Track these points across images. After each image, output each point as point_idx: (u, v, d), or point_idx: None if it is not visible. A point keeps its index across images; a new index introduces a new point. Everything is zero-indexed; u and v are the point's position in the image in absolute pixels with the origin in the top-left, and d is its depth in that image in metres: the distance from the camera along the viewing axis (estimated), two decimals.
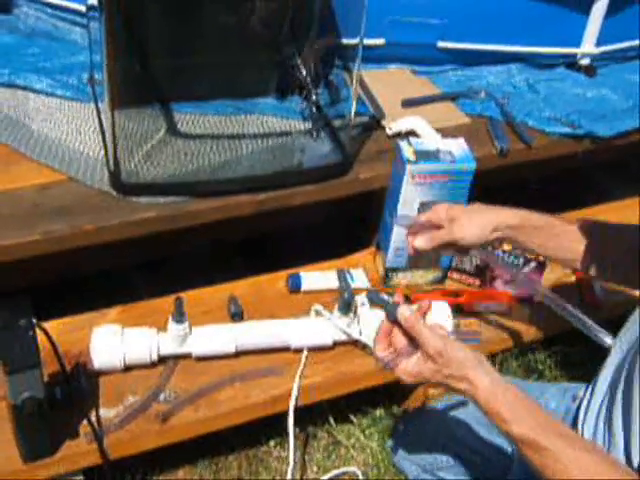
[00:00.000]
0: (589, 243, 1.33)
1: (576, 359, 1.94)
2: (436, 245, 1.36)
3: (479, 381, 1.10)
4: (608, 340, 1.21)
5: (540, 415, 1.09)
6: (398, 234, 1.67)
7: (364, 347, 1.59)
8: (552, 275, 1.81)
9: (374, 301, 1.18)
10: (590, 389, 1.29)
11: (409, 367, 1.14)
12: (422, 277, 1.77)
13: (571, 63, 2.22)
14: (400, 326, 1.16)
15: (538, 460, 1.05)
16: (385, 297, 1.22)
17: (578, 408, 1.32)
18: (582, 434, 1.24)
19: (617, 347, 1.23)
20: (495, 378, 1.11)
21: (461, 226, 1.34)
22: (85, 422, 1.40)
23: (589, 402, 1.26)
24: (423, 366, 1.13)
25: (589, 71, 2.21)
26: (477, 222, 1.35)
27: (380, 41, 1.97)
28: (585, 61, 2.21)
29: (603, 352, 1.30)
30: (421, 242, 1.36)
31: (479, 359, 1.13)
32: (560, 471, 1.02)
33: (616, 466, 1.04)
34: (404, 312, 1.15)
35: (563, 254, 1.37)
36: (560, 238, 1.36)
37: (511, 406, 1.08)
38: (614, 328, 1.24)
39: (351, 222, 1.96)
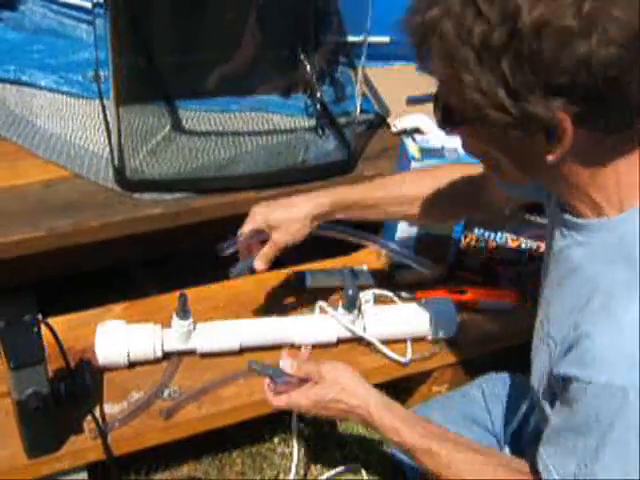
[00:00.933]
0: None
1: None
2: (271, 261, 1.42)
3: (371, 397, 1.17)
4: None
5: (428, 425, 1.15)
6: (403, 231, 1.67)
7: (368, 344, 1.59)
8: None
9: (259, 373, 1.24)
10: None
11: (302, 391, 1.20)
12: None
13: None
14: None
15: (432, 465, 1.10)
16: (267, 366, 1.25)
17: None
18: None
19: None
20: (382, 396, 1.19)
21: (282, 231, 1.39)
22: (89, 418, 1.40)
23: None
24: (314, 388, 1.19)
25: None
26: (294, 222, 1.38)
27: (385, 38, 1.97)
28: None
29: None
30: (259, 265, 1.42)
31: (364, 382, 1.21)
32: (453, 473, 1.08)
33: (505, 465, 1.08)
34: (289, 364, 1.23)
35: (379, 218, 1.47)
36: (373, 208, 1.42)
37: (402, 418, 1.15)
38: None
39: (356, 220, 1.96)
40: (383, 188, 1.43)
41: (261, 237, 1.40)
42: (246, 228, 1.41)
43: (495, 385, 1.49)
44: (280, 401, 1.21)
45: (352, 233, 1.48)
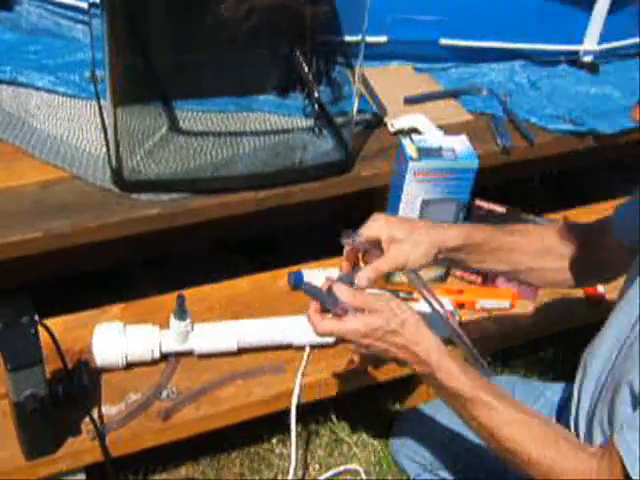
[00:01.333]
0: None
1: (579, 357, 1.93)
2: (379, 278, 1.23)
3: (431, 336, 1.11)
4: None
5: (481, 377, 1.11)
6: None
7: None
8: None
9: (309, 293, 1.16)
10: (579, 380, 1.28)
11: (358, 317, 1.12)
12: (425, 274, 1.75)
13: (573, 60, 2.21)
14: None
15: (487, 420, 1.07)
16: (317, 287, 1.17)
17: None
18: (579, 429, 1.23)
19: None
20: (437, 342, 1.12)
21: (403, 251, 1.22)
22: (87, 419, 1.40)
23: (579, 391, 1.25)
24: (371, 317, 1.11)
25: (591, 68, 2.20)
26: (421, 247, 1.23)
27: (382, 38, 1.97)
28: (588, 58, 2.20)
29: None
30: (363, 281, 1.19)
31: (418, 318, 1.13)
32: (509, 433, 1.05)
33: (568, 439, 1.06)
34: (343, 291, 1.13)
35: (499, 266, 1.32)
36: (497, 252, 1.30)
37: (459, 365, 1.10)
38: None
39: (353, 220, 1.95)
40: (519, 234, 1.33)
41: (365, 248, 1.25)
42: (367, 232, 1.24)
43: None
44: (327, 327, 1.13)
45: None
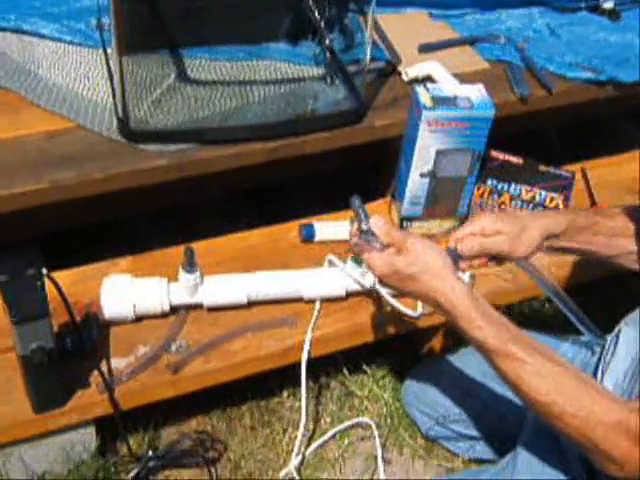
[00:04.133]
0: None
1: (594, 312, 1.91)
2: (482, 253, 1.24)
3: (456, 282, 1.09)
4: (589, 336, 1.25)
5: (513, 328, 1.08)
6: (414, 183, 1.64)
7: (378, 298, 1.56)
8: None
9: (353, 207, 1.17)
10: (611, 347, 1.26)
11: (384, 256, 1.11)
12: (438, 227, 1.74)
13: (594, 6, 2.15)
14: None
15: (513, 371, 1.05)
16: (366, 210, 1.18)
17: (597, 362, 1.29)
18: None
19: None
20: (468, 286, 1.10)
21: (509, 241, 1.22)
22: (96, 372, 1.39)
23: (610, 361, 1.24)
24: (396, 257, 1.10)
25: (613, 15, 2.13)
26: (525, 238, 1.23)
27: None
28: (609, 4, 2.13)
29: (623, 304, 1.28)
30: (466, 248, 1.22)
31: (453, 267, 1.12)
32: (538, 382, 1.03)
33: (603, 393, 1.04)
34: (377, 221, 1.13)
35: (603, 251, 1.30)
36: (599, 236, 1.28)
37: (487, 314, 1.07)
38: None
39: (366, 171, 1.92)
40: (614, 217, 1.29)
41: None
42: (469, 229, 1.24)
43: None
44: (359, 247, 1.15)
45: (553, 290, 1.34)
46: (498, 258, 1.26)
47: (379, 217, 1.14)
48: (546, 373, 1.03)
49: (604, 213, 1.32)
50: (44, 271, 1.26)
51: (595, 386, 1.05)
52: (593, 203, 1.87)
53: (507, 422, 1.47)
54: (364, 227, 1.14)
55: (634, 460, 0.98)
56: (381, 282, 1.15)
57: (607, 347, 1.28)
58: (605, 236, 1.28)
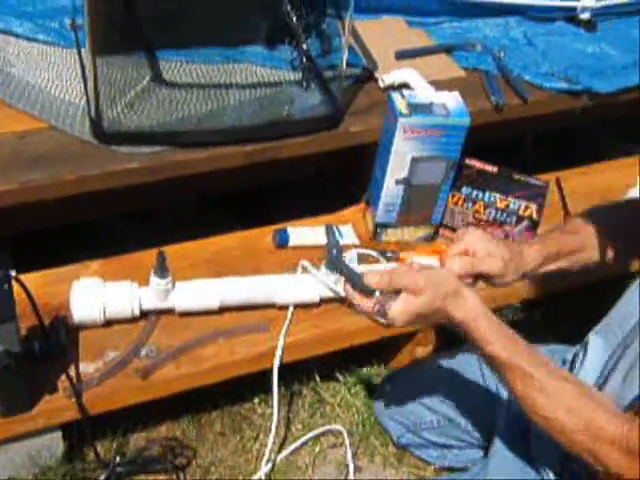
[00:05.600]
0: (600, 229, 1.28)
1: (564, 320, 1.92)
2: (473, 273, 1.23)
3: (469, 298, 1.10)
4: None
5: (521, 342, 1.09)
6: (389, 190, 1.63)
7: (351, 305, 1.55)
8: None
9: (338, 269, 1.16)
10: (580, 357, 1.27)
11: (401, 306, 1.10)
12: (412, 234, 1.74)
13: (571, 17, 2.16)
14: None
15: (520, 386, 1.06)
16: (349, 266, 1.18)
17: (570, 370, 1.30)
18: None
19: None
20: (480, 299, 1.11)
21: (502, 265, 1.22)
22: (64, 377, 1.37)
23: (579, 371, 1.24)
24: (415, 301, 1.10)
25: (589, 25, 2.15)
26: (513, 265, 1.23)
27: None
28: (585, 15, 2.15)
29: (592, 314, 1.28)
30: (459, 266, 1.21)
31: (459, 282, 1.12)
32: (542, 399, 1.04)
33: (605, 407, 1.04)
34: (373, 277, 1.12)
35: (574, 267, 1.31)
36: (568, 256, 1.29)
37: (497, 329, 1.09)
38: None
39: (341, 177, 1.92)
40: (575, 232, 1.31)
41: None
42: (458, 249, 1.24)
43: None
44: (378, 312, 1.13)
45: None
46: (485, 278, 1.25)
47: (372, 273, 1.13)
48: (550, 389, 1.04)
49: (569, 230, 1.32)
50: (12, 273, 1.24)
51: (597, 399, 1.05)
52: (567, 212, 1.88)
53: (478, 431, 1.48)
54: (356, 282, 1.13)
55: (634, 474, 0.98)
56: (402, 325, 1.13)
57: (577, 357, 1.28)
58: (574, 254, 1.29)
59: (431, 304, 1.09)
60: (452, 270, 1.16)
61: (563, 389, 1.05)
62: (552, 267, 1.28)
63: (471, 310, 1.09)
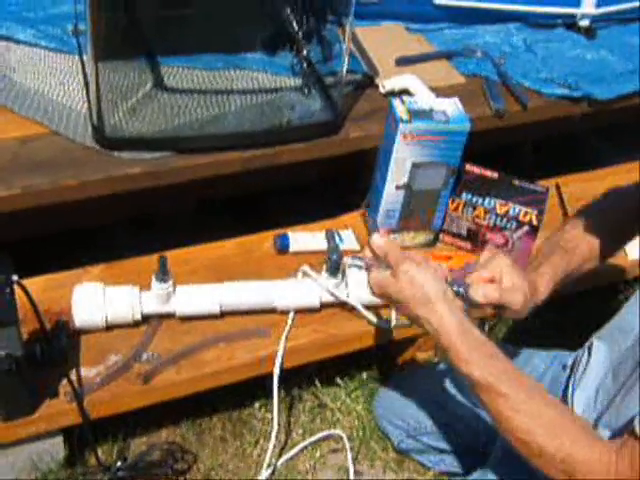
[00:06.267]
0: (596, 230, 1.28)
1: (567, 326, 1.92)
2: (496, 303, 1.20)
3: (445, 313, 1.08)
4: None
5: (501, 361, 1.07)
6: (389, 195, 1.64)
7: (352, 309, 1.56)
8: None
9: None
10: (583, 362, 1.27)
11: (379, 277, 1.13)
12: (412, 239, 1.74)
13: (570, 24, 2.17)
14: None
15: (494, 406, 1.04)
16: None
17: (569, 377, 1.30)
18: (573, 405, 1.22)
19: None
20: (460, 316, 1.09)
21: (524, 300, 1.20)
22: (65, 381, 1.38)
23: (582, 376, 1.24)
24: (390, 281, 1.11)
25: (588, 32, 2.16)
26: (534, 299, 1.23)
27: None
28: (585, 22, 2.16)
29: (594, 319, 1.28)
30: (480, 294, 1.17)
31: (447, 294, 1.10)
32: (517, 419, 1.01)
33: (586, 429, 1.03)
34: (376, 240, 1.14)
35: (587, 270, 1.31)
36: (576, 266, 1.29)
37: (473, 347, 1.06)
38: None
39: (341, 182, 1.93)
40: (576, 247, 1.30)
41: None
42: (486, 272, 1.22)
43: None
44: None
45: None
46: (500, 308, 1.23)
47: (382, 235, 1.16)
48: (528, 410, 1.02)
49: (570, 245, 1.30)
50: (14, 278, 1.24)
51: (578, 424, 1.03)
52: (566, 218, 1.88)
53: (478, 436, 1.48)
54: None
55: None
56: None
57: (578, 362, 1.28)
58: (579, 269, 1.30)
59: (399, 292, 1.10)
60: (440, 278, 1.12)
61: (543, 411, 1.02)
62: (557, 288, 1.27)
63: (446, 323, 1.07)
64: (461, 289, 1.16)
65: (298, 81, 1.75)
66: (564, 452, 0.99)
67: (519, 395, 1.03)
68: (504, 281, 1.20)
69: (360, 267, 1.24)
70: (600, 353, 1.22)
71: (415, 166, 1.59)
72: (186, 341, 1.49)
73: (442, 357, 1.60)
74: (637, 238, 1.38)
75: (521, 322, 1.94)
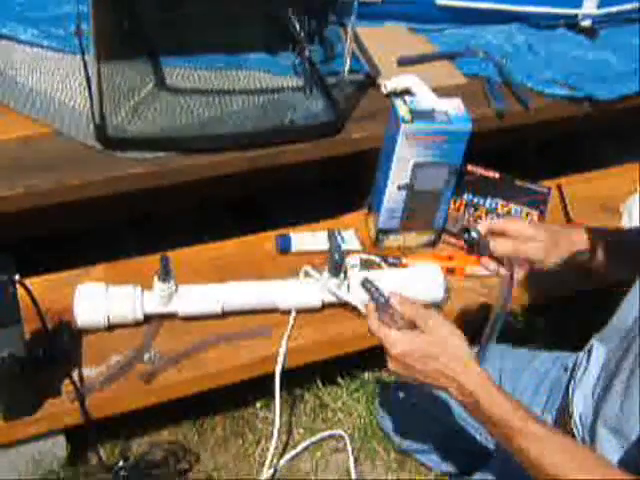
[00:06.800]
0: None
1: (569, 327, 1.92)
2: (514, 255, 1.21)
3: (475, 366, 1.08)
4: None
5: (528, 409, 1.06)
6: (391, 195, 1.64)
7: (354, 309, 1.56)
8: None
9: (368, 291, 1.16)
10: (583, 363, 1.27)
11: (405, 334, 1.10)
12: (414, 239, 1.74)
13: (572, 24, 2.17)
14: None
15: (533, 449, 1.02)
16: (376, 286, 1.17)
17: (569, 379, 1.30)
18: (573, 406, 1.22)
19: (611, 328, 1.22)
20: (486, 375, 1.08)
21: (545, 249, 1.22)
22: (67, 381, 1.38)
23: (582, 377, 1.24)
24: (418, 335, 1.10)
25: (590, 33, 2.16)
26: (560, 249, 1.23)
27: None
28: (586, 22, 2.16)
29: (596, 321, 1.28)
30: (501, 247, 1.19)
31: (472, 352, 1.10)
32: (557, 460, 1.00)
33: (601, 458, 1.02)
34: (397, 297, 1.13)
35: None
36: (625, 256, 1.27)
37: (504, 394, 1.06)
38: None
39: (343, 183, 1.93)
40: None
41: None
42: (509, 225, 1.23)
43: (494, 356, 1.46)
44: (374, 325, 1.12)
45: None
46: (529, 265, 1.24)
47: (394, 293, 1.14)
48: (560, 450, 1.01)
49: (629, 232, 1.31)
50: (16, 278, 1.25)
51: (605, 463, 1.02)
52: (568, 219, 1.88)
53: (480, 436, 1.48)
54: (382, 301, 1.13)
55: None
56: (395, 361, 1.11)
57: (579, 364, 1.28)
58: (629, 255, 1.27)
59: (432, 347, 1.08)
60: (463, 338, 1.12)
61: (573, 451, 1.02)
62: (602, 267, 1.27)
63: (476, 375, 1.07)
64: (475, 235, 1.17)
65: (300, 81, 1.75)
66: None
67: (552, 435, 1.02)
68: (522, 235, 1.21)
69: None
70: (599, 354, 1.23)
71: (417, 166, 1.60)
72: (188, 341, 1.50)
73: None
74: None
75: (522, 322, 1.94)
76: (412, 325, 1.12)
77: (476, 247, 1.18)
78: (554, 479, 1.01)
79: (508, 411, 1.04)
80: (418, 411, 1.54)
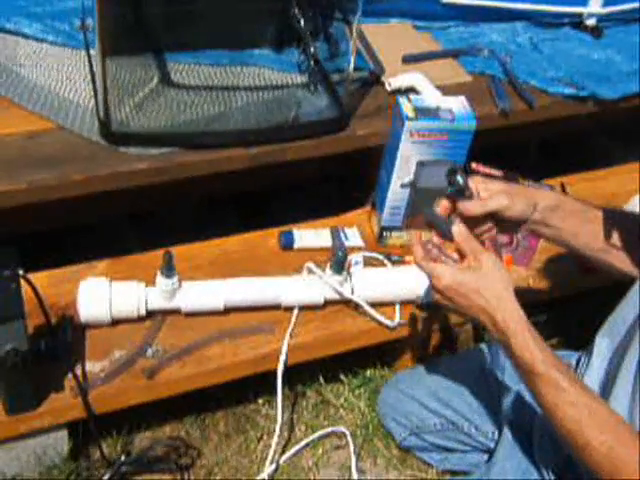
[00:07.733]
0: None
1: (572, 325, 1.92)
2: (485, 211, 1.20)
3: (515, 305, 1.10)
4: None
5: (557, 357, 1.09)
6: (394, 193, 1.64)
7: (356, 307, 1.56)
8: None
9: (428, 219, 1.17)
10: (585, 361, 1.27)
11: (452, 268, 1.13)
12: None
13: (577, 23, 2.17)
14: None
15: (551, 398, 1.05)
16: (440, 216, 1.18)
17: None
18: None
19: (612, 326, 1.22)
20: (522, 316, 1.10)
21: (508, 196, 1.21)
22: (70, 376, 1.38)
23: (585, 372, 1.24)
24: (465, 270, 1.12)
25: (595, 32, 2.16)
26: (520, 198, 1.23)
27: None
28: (591, 21, 2.16)
29: (599, 319, 1.28)
30: (472, 207, 1.18)
31: (507, 285, 1.12)
32: (572, 412, 1.03)
33: (624, 424, 1.04)
34: (458, 227, 1.14)
35: (593, 244, 1.28)
36: (593, 224, 1.27)
37: (537, 340, 1.08)
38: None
39: (347, 180, 1.93)
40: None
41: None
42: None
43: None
44: (420, 257, 1.15)
45: None
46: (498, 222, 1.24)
47: (461, 224, 1.15)
48: (582, 405, 1.04)
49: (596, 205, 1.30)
50: (20, 272, 1.25)
51: (626, 427, 1.04)
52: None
53: (481, 433, 1.48)
54: (443, 227, 1.15)
55: None
56: (437, 293, 1.14)
57: (583, 362, 1.28)
58: (596, 225, 1.27)
59: (477, 281, 1.10)
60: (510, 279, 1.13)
61: (594, 407, 1.04)
62: (568, 226, 1.26)
63: (515, 315, 1.09)
64: (461, 180, 1.18)
65: (305, 78, 1.75)
66: (608, 449, 1.00)
67: (575, 388, 1.05)
68: (481, 192, 1.21)
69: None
70: (602, 349, 1.23)
71: (421, 164, 1.60)
72: (190, 337, 1.50)
73: (445, 359, 1.59)
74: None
75: None
76: (460, 259, 1.14)
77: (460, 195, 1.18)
78: (569, 429, 1.04)
79: (536, 356, 1.06)
80: (419, 408, 1.54)
